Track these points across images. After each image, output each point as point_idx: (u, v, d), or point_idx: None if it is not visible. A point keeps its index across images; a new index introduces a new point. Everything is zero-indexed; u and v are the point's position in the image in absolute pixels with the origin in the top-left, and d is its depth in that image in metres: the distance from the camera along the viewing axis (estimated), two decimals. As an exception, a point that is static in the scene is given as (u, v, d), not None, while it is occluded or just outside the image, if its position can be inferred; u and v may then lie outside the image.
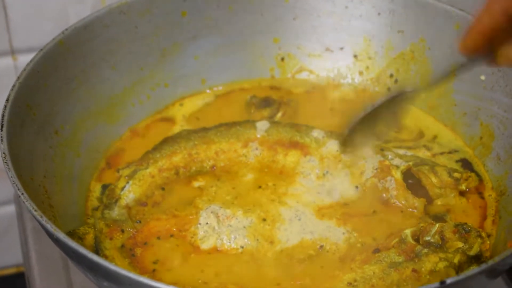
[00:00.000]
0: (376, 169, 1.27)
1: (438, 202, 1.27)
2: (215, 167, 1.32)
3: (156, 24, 1.41)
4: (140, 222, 1.23)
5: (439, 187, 1.26)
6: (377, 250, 1.17)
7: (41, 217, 1.05)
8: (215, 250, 1.19)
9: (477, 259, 1.15)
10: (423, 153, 1.35)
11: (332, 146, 1.31)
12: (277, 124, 1.35)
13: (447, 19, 1.37)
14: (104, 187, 1.31)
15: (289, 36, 1.48)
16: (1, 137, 1.13)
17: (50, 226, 1.03)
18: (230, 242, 1.20)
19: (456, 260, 1.13)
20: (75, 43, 1.32)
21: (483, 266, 1.01)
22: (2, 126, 1.14)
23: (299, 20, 1.47)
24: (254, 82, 1.50)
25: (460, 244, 1.15)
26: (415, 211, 1.25)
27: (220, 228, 1.21)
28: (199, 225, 1.21)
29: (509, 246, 1.14)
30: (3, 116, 1.16)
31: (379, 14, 1.44)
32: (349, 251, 1.19)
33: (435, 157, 1.34)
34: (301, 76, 1.51)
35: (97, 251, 1.17)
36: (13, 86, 1.20)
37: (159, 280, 1.15)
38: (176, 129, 1.40)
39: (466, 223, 1.18)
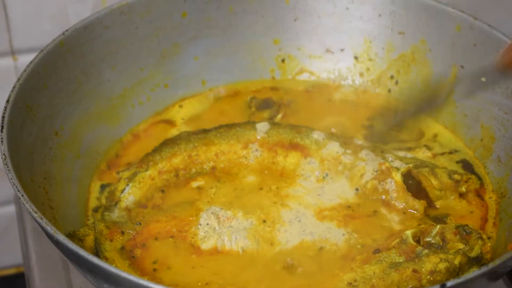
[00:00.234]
0: (376, 171, 1.27)
1: (438, 204, 1.27)
2: (215, 169, 1.31)
3: (157, 25, 1.41)
4: (140, 224, 1.23)
5: (439, 189, 1.26)
6: (377, 251, 1.17)
7: (41, 218, 1.04)
8: (215, 251, 1.19)
9: (478, 260, 1.15)
10: (423, 153, 1.35)
11: (333, 147, 1.31)
12: (277, 126, 1.35)
13: (448, 20, 1.37)
14: (103, 186, 1.31)
15: (289, 37, 1.48)
16: (1, 138, 1.13)
17: (50, 228, 1.03)
18: (230, 243, 1.20)
19: (456, 261, 1.13)
20: (75, 44, 1.32)
21: (484, 269, 1.01)
22: (2, 128, 1.14)
23: (300, 21, 1.47)
24: (255, 83, 1.49)
25: (461, 246, 1.15)
26: (416, 212, 1.25)
27: (220, 229, 1.21)
28: (199, 226, 1.21)
29: (510, 249, 1.15)
30: (3, 117, 1.16)
31: (379, 15, 1.44)
32: (349, 251, 1.19)
33: (436, 158, 1.34)
34: (301, 77, 1.51)
35: (97, 253, 1.17)
36: (13, 87, 1.20)
37: (160, 282, 1.15)
38: (176, 130, 1.40)
39: (467, 225, 1.19)
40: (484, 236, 1.17)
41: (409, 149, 1.35)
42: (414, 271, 1.12)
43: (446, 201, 1.27)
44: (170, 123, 1.42)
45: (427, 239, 1.17)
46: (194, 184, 1.29)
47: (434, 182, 1.26)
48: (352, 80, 1.49)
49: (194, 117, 1.43)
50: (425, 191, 1.27)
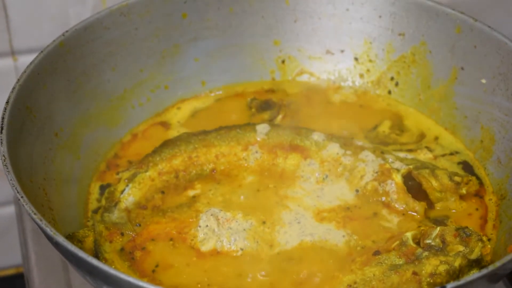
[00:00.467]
0: (377, 172, 1.27)
1: (439, 206, 1.27)
2: (215, 171, 1.31)
3: (157, 26, 1.41)
4: (139, 225, 1.23)
5: (439, 191, 1.26)
6: (377, 252, 1.17)
7: (41, 220, 1.04)
8: (215, 252, 1.19)
9: (478, 263, 1.15)
10: (424, 155, 1.35)
11: (333, 149, 1.31)
12: (277, 127, 1.35)
13: (448, 22, 1.37)
14: (103, 187, 1.30)
15: (289, 38, 1.48)
16: (1, 139, 1.13)
17: (49, 230, 1.03)
18: (230, 244, 1.20)
19: (456, 264, 1.13)
20: (75, 45, 1.32)
21: (484, 271, 1.01)
22: (2, 129, 1.14)
23: (300, 22, 1.47)
24: (255, 84, 1.49)
25: (461, 248, 1.15)
26: (416, 214, 1.24)
27: (220, 231, 1.21)
28: (199, 228, 1.21)
29: (510, 251, 1.15)
30: (3, 118, 1.16)
31: (380, 16, 1.44)
32: (349, 253, 1.18)
33: (437, 159, 1.34)
34: (301, 79, 1.50)
35: (96, 254, 1.17)
36: (13, 88, 1.20)
37: (159, 283, 1.15)
38: (176, 132, 1.40)
39: (467, 227, 1.18)
40: (484, 238, 1.17)
41: (410, 151, 1.35)
42: (414, 273, 1.12)
43: (447, 203, 1.27)
44: (170, 124, 1.42)
45: (427, 241, 1.17)
46: (195, 187, 1.29)
47: (435, 183, 1.26)
48: (352, 81, 1.49)
49: (194, 118, 1.43)
50: (425, 193, 1.27)
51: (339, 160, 1.30)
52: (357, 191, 1.28)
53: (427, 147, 1.37)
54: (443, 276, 1.12)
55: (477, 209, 1.27)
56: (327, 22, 1.46)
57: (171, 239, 1.21)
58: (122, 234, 1.21)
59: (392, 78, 1.46)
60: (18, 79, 1.21)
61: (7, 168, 1.10)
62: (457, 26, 1.36)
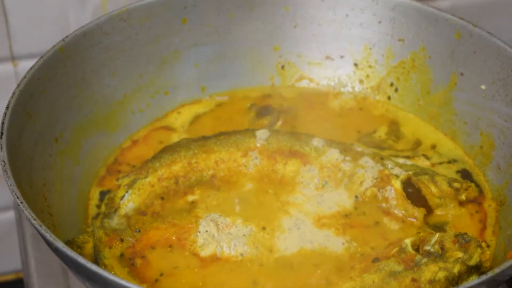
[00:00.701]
0: (376, 178, 1.27)
1: (438, 212, 1.27)
2: (214, 177, 1.31)
3: (156, 31, 1.41)
4: (139, 231, 1.23)
5: (438, 197, 1.26)
6: (376, 259, 1.17)
7: (40, 226, 1.04)
8: (214, 258, 1.19)
9: (477, 269, 1.15)
10: (422, 162, 1.35)
11: (332, 154, 1.31)
12: (277, 133, 1.35)
13: (447, 27, 1.37)
14: (103, 193, 1.30)
15: (289, 44, 1.48)
16: (1, 145, 1.13)
17: (49, 235, 1.03)
18: (229, 250, 1.20)
19: (455, 270, 1.13)
20: (75, 50, 1.32)
21: (483, 278, 1.01)
22: (1, 134, 1.14)
23: (300, 28, 1.47)
24: (254, 90, 1.49)
25: (460, 254, 1.15)
26: (415, 220, 1.24)
27: (219, 236, 1.21)
28: (198, 233, 1.21)
29: (509, 257, 1.14)
30: (2, 123, 1.16)
31: (379, 22, 1.44)
32: (349, 260, 1.18)
33: (434, 167, 1.34)
34: (301, 84, 1.51)
35: (96, 260, 1.17)
36: (13, 93, 1.20)
37: (158, 289, 1.15)
38: (176, 137, 1.40)
39: (466, 233, 1.18)
40: (483, 244, 1.17)
41: (408, 158, 1.35)
42: (413, 280, 1.12)
43: (446, 209, 1.27)
44: (170, 129, 1.42)
45: (426, 248, 1.17)
46: (195, 193, 1.29)
47: (434, 190, 1.26)
48: (351, 87, 1.49)
49: (193, 124, 1.43)
50: (425, 199, 1.27)
51: (338, 166, 1.30)
52: (356, 197, 1.28)
53: (424, 155, 1.36)
54: (442, 283, 1.12)
55: (476, 216, 1.27)
56: (327, 28, 1.47)
57: (170, 245, 1.21)
58: (122, 240, 1.21)
59: (391, 84, 1.46)
60: (18, 85, 1.22)
61: (7, 174, 1.10)
62: (457, 32, 1.36)
